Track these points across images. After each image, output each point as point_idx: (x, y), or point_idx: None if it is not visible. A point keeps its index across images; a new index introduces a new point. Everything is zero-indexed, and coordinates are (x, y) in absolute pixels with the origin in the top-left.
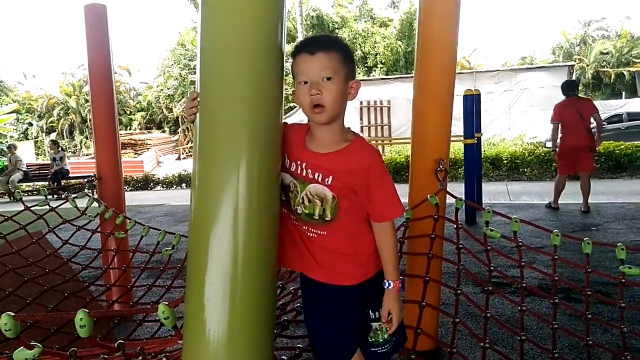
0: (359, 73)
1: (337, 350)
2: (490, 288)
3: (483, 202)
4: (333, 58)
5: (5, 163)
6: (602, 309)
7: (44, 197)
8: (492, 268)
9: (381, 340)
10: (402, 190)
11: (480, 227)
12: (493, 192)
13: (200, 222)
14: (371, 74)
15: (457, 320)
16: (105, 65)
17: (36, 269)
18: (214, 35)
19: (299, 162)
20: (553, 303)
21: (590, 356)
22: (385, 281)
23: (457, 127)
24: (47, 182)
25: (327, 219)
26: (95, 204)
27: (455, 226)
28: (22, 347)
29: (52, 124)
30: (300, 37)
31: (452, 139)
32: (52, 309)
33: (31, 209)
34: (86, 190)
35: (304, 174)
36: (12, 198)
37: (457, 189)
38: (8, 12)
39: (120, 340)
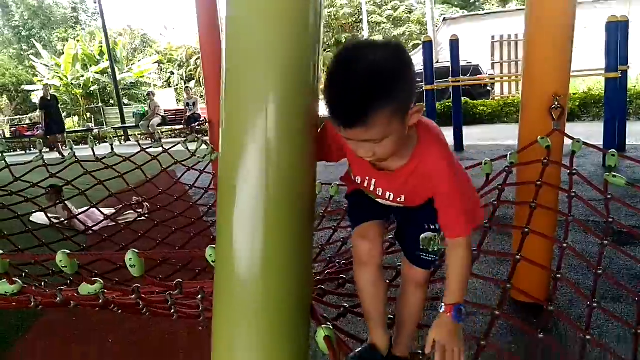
0: (492, 4)
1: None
2: (606, 242)
3: (627, 145)
4: (376, 124)
5: (146, 109)
6: None
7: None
8: (611, 220)
9: (431, 250)
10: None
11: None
12: None
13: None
14: (507, 5)
15: (559, 275)
16: (213, 17)
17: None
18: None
19: (366, 178)
20: None
21: None
22: (441, 304)
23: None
24: (182, 126)
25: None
26: (204, 147)
27: (568, 172)
28: (84, 283)
29: (190, 73)
30: None
31: (592, 72)
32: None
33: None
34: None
35: (374, 191)
36: (153, 140)
37: (595, 129)
38: None
39: (179, 280)
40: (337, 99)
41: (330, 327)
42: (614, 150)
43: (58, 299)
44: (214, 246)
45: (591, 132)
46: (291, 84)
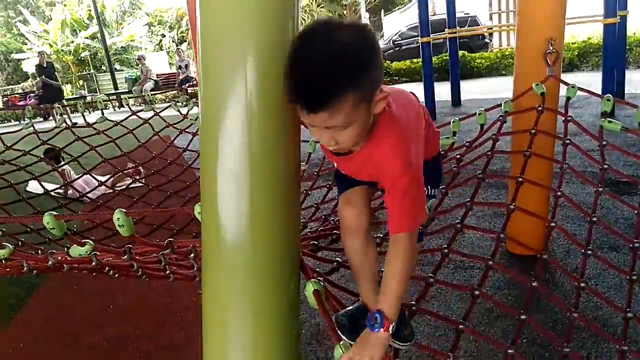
0: None
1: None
2: (601, 189)
3: (626, 93)
4: (342, 110)
5: (138, 73)
6: None
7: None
8: (606, 166)
9: None
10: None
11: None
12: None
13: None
14: None
15: (554, 224)
16: None
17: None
18: None
19: (330, 157)
20: None
21: None
22: (372, 312)
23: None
24: (176, 90)
25: None
26: (195, 109)
27: (563, 119)
28: (74, 245)
29: (182, 34)
30: None
31: (590, 19)
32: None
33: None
34: (187, 95)
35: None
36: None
37: (594, 78)
38: None
39: (170, 239)
40: (300, 81)
41: (320, 282)
42: (609, 95)
43: (50, 262)
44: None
45: (590, 81)
46: (269, 42)
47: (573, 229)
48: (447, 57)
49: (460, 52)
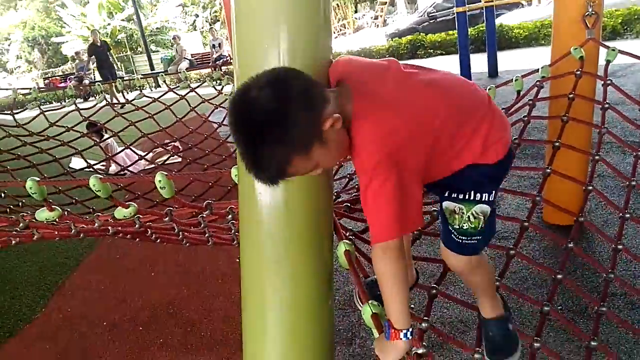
0: None
1: None
2: None
3: None
4: (294, 170)
5: (173, 54)
6: None
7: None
8: None
9: (457, 226)
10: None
11: None
12: None
13: None
14: None
15: (590, 188)
16: None
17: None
18: None
19: None
20: None
21: None
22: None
23: None
24: (210, 68)
25: None
26: (229, 86)
27: (603, 83)
28: (119, 207)
29: (215, 14)
30: None
31: None
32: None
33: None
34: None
35: None
36: (182, 83)
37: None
38: None
39: (209, 201)
40: (245, 166)
41: (352, 242)
42: None
43: (96, 224)
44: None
45: (633, 49)
46: (301, 18)
47: (611, 196)
48: (484, 28)
49: (498, 22)
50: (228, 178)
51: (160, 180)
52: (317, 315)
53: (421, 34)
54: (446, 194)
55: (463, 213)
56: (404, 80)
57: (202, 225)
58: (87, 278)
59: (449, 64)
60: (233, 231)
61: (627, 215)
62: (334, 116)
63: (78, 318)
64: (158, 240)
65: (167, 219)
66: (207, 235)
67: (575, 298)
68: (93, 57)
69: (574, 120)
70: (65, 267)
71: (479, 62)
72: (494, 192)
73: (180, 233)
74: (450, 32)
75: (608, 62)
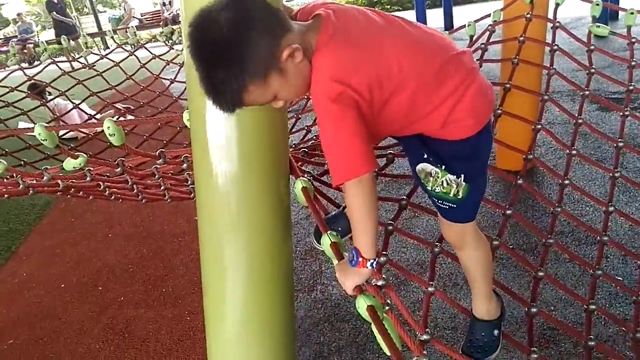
0: None
1: None
2: (587, 93)
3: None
4: (250, 99)
5: (121, 13)
6: None
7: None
8: (593, 70)
9: (433, 189)
10: None
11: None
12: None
13: None
14: None
15: (539, 127)
16: None
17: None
18: None
19: None
20: None
21: None
22: (352, 247)
23: None
24: (161, 27)
25: None
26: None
27: (552, 25)
28: (68, 158)
29: None
30: None
31: None
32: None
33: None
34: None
35: None
36: (133, 45)
37: None
38: None
39: (161, 149)
40: (203, 90)
41: (308, 179)
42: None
43: (45, 177)
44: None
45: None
46: None
47: (560, 134)
48: None
49: None
50: (180, 123)
51: (109, 127)
52: (276, 255)
53: None
54: (424, 156)
55: (438, 177)
56: (380, 26)
57: (157, 176)
58: (42, 243)
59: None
60: (189, 182)
61: (574, 152)
62: (293, 46)
63: (34, 282)
64: (112, 197)
65: (119, 169)
66: (163, 187)
67: (526, 237)
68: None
69: (524, 62)
70: (17, 233)
71: (435, 17)
72: (468, 168)
73: (135, 187)
74: None
75: (557, 5)
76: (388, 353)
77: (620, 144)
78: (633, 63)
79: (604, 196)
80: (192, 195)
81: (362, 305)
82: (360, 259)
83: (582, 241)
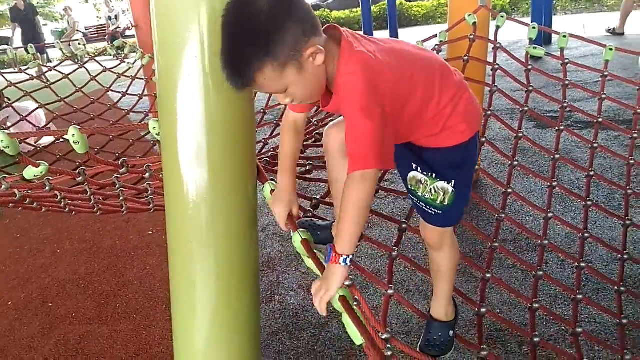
0: None
1: None
2: (526, 109)
3: (553, 38)
4: (262, 83)
5: (64, 26)
6: None
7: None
8: (531, 88)
9: (423, 195)
10: None
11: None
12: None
13: None
14: None
15: (484, 139)
16: None
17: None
18: None
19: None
20: (596, 122)
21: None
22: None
23: None
24: (107, 43)
25: None
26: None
27: (493, 46)
28: (29, 166)
29: None
30: None
31: None
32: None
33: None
34: (122, 39)
35: None
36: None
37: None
38: None
39: (124, 158)
40: (222, 64)
41: (275, 184)
42: (534, 23)
43: (3, 186)
44: (156, 119)
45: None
46: None
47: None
48: (385, 6)
49: (398, 1)
50: (133, 136)
51: (73, 135)
52: (244, 262)
53: (326, 10)
54: (414, 166)
55: (427, 184)
56: (390, 42)
57: (117, 186)
58: None
59: None
60: (150, 193)
61: (515, 163)
62: (318, 47)
63: None
64: (67, 210)
65: (80, 178)
66: (121, 198)
67: (472, 245)
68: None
69: (468, 80)
70: None
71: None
72: (457, 176)
73: (93, 198)
74: (355, 9)
75: (497, 27)
76: (358, 342)
77: (557, 156)
78: (566, 82)
79: (543, 206)
80: (151, 206)
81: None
82: (334, 254)
83: (523, 248)
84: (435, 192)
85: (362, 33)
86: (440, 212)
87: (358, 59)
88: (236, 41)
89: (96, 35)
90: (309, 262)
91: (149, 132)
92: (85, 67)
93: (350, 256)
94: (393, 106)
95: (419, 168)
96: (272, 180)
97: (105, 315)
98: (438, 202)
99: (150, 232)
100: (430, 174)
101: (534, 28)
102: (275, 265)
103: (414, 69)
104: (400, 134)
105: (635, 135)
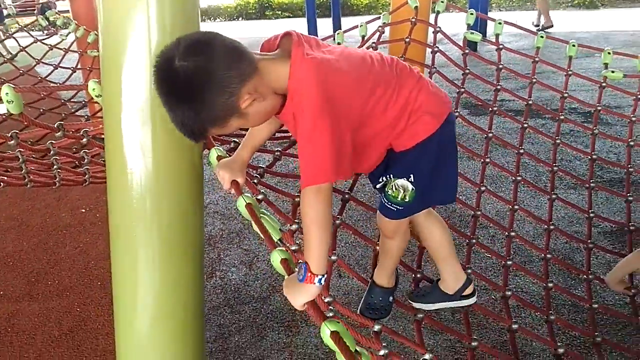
0: None
1: None
2: (462, 91)
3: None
4: (215, 131)
5: None
6: None
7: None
8: (467, 71)
9: (388, 192)
10: None
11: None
12: None
13: None
14: None
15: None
16: None
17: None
18: None
19: None
20: (526, 104)
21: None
22: (301, 261)
23: None
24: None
25: None
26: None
27: (433, 30)
28: None
29: None
30: None
31: None
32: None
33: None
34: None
35: None
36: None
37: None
38: None
39: (60, 122)
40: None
41: (222, 150)
42: (472, 9)
43: None
44: (97, 80)
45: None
46: None
47: None
48: None
49: None
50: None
51: (7, 93)
52: (190, 239)
53: None
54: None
55: (389, 181)
56: (341, 47)
57: (52, 152)
58: None
59: (296, 26)
60: (86, 161)
61: (485, 162)
62: (252, 94)
63: None
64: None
65: (12, 142)
66: (55, 167)
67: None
68: None
69: (409, 61)
70: None
71: (324, 26)
72: (415, 174)
73: (24, 166)
74: None
75: (437, 12)
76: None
77: (490, 135)
78: (500, 66)
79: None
80: (86, 177)
81: (323, 328)
82: (309, 274)
83: (457, 225)
84: (396, 189)
85: (316, 37)
86: (401, 207)
87: (310, 64)
88: (171, 110)
89: (23, 10)
90: (255, 227)
91: (83, 105)
92: (15, 38)
93: (325, 275)
94: (350, 110)
95: (385, 171)
96: (219, 147)
97: (36, 292)
98: (399, 199)
99: (84, 210)
100: (390, 175)
101: (471, 14)
102: (217, 243)
103: (370, 71)
104: (363, 139)
105: (562, 117)
